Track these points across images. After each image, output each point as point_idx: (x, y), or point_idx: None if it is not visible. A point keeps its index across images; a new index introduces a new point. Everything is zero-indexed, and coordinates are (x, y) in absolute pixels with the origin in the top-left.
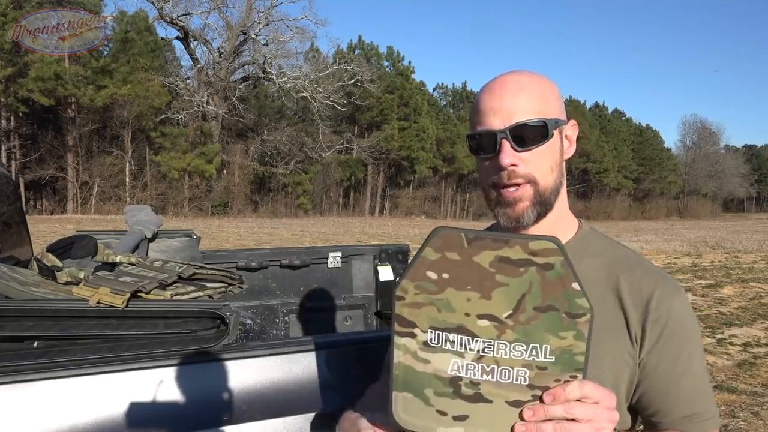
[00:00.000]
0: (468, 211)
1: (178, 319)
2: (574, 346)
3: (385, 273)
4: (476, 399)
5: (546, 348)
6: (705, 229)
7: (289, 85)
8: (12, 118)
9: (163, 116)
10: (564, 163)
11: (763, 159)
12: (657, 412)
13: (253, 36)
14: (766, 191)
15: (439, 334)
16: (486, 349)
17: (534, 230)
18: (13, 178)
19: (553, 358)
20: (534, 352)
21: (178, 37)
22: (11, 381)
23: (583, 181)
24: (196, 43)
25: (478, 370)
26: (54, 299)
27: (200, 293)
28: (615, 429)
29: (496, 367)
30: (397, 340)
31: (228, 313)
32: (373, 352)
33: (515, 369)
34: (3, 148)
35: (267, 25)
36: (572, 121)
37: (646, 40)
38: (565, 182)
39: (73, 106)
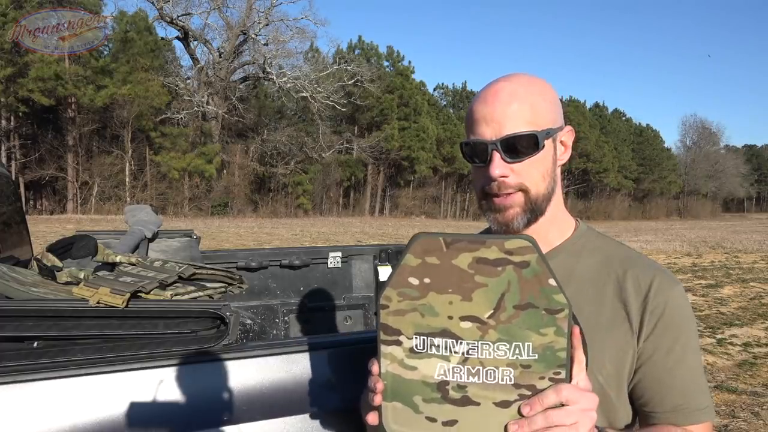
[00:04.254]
0: (468, 211)
1: (178, 319)
2: (555, 342)
3: (385, 273)
4: (464, 402)
5: (528, 345)
6: (705, 229)
7: (289, 85)
8: (12, 118)
9: (163, 116)
10: (558, 168)
11: (763, 159)
12: (649, 402)
13: (253, 36)
14: (766, 191)
15: (424, 339)
16: (470, 351)
17: (533, 231)
18: (13, 178)
19: (536, 355)
20: (517, 351)
21: (178, 37)
22: (11, 381)
23: (583, 181)
24: (196, 43)
25: (464, 373)
26: (54, 299)
27: (200, 293)
28: (597, 427)
29: (481, 368)
30: (384, 349)
31: (228, 313)
32: (372, 353)
33: (500, 369)
34: (3, 148)
35: (267, 25)
36: (568, 127)
37: (647, 40)
38: (559, 187)
39: (73, 106)
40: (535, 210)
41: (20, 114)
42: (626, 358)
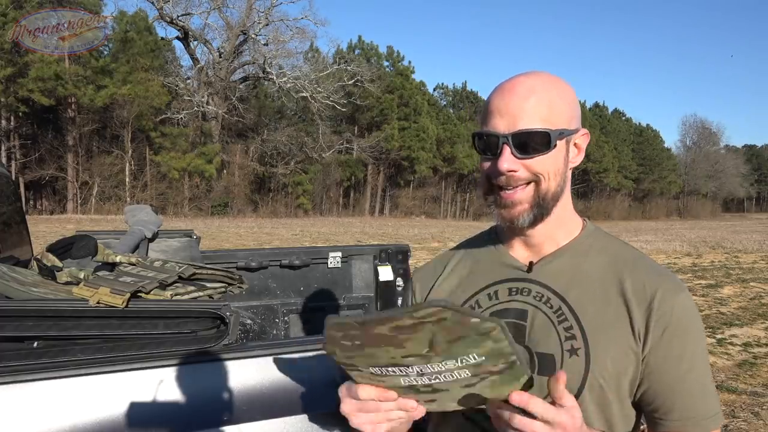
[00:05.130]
0: (468, 211)
1: (178, 319)
2: (497, 346)
3: (385, 273)
4: (435, 390)
5: (473, 354)
6: (705, 229)
7: (289, 85)
8: (12, 118)
9: (163, 116)
10: (569, 171)
11: (763, 159)
12: (659, 410)
13: (253, 36)
14: (766, 191)
15: (379, 368)
16: (423, 370)
17: (531, 233)
18: (13, 178)
19: (484, 357)
20: (464, 361)
21: (178, 37)
22: (11, 381)
23: (583, 181)
24: (196, 43)
25: (426, 378)
26: (54, 299)
27: (200, 293)
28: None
29: (439, 374)
30: (350, 374)
31: (228, 313)
32: None
33: (455, 371)
34: (3, 148)
35: (267, 25)
36: (583, 130)
37: (647, 40)
38: (568, 188)
39: (73, 106)
40: (542, 207)
41: (20, 114)
42: (628, 362)
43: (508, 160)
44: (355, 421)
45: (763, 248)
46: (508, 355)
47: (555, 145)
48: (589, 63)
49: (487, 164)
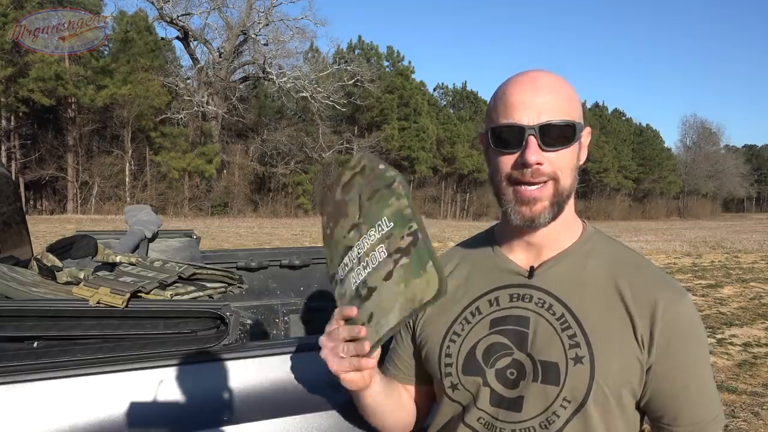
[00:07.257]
0: (468, 211)
1: (178, 319)
2: (400, 205)
3: None
4: (369, 294)
5: (385, 219)
6: (705, 229)
7: (289, 85)
8: (12, 118)
9: (163, 116)
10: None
11: (763, 159)
12: (665, 417)
13: (253, 36)
14: (766, 191)
15: (342, 266)
16: (359, 251)
17: (535, 234)
18: (13, 178)
19: (392, 223)
20: (380, 228)
21: (178, 37)
22: (11, 381)
23: (583, 181)
24: (196, 43)
25: (362, 271)
26: (54, 299)
27: (200, 293)
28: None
29: (368, 258)
30: (338, 300)
31: (228, 313)
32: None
33: (377, 250)
34: (3, 148)
35: (267, 25)
36: (588, 128)
37: (647, 39)
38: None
39: (73, 106)
40: (560, 204)
41: (20, 114)
42: (633, 370)
43: (535, 153)
44: (323, 353)
45: (763, 248)
46: (409, 218)
47: (578, 138)
48: (589, 62)
49: (504, 159)
